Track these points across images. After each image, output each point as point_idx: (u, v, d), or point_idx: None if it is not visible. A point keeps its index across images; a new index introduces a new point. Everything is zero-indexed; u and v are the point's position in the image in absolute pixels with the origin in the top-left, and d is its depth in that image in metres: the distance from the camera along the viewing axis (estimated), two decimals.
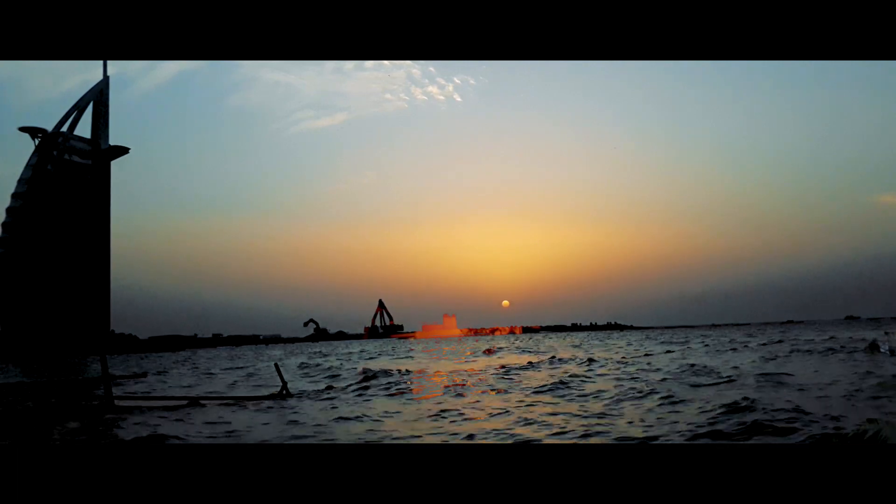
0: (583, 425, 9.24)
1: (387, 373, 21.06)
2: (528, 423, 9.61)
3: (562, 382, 15.03)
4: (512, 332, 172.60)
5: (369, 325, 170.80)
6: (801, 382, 12.95)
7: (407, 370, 22.39)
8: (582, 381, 15.65)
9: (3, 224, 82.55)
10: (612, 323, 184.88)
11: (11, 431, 10.46)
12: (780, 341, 35.61)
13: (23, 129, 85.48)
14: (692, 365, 18.32)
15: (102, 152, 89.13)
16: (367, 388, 16.54)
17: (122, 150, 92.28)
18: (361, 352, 52.99)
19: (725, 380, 14.17)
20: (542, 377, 17.61)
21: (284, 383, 15.90)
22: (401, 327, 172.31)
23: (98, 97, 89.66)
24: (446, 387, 15.67)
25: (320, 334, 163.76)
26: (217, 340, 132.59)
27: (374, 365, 26.23)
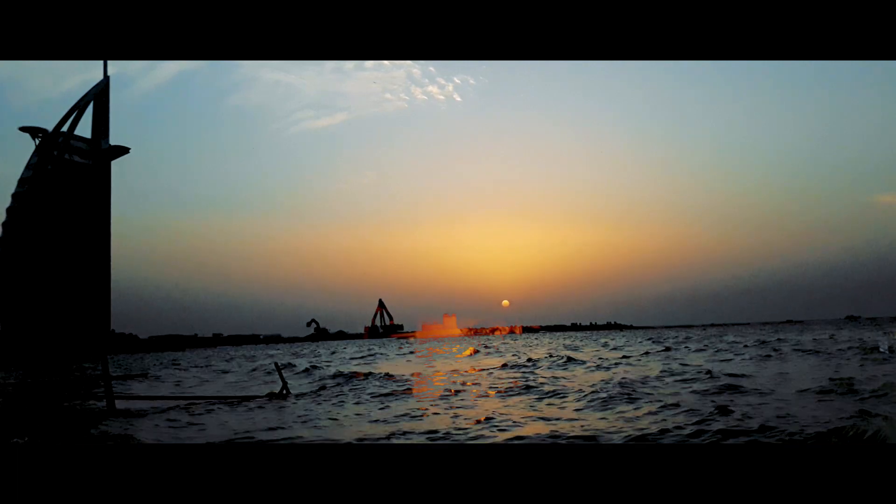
0: (460, 428, 9.54)
1: (350, 377, 20.20)
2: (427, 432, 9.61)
3: (527, 386, 15.13)
4: (512, 331, 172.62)
5: (369, 324, 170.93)
6: (759, 385, 13.29)
7: (370, 373, 21.46)
8: (543, 383, 15.80)
9: (3, 224, 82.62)
10: (612, 323, 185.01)
11: (11, 431, 10.47)
12: (779, 340, 35.71)
13: (23, 129, 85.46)
14: (666, 370, 18.23)
15: (103, 152, 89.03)
16: (319, 393, 16.22)
17: (123, 150, 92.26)
18: (354, 351, 52.99)
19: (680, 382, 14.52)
20: (505, 379, 17.80)
21: (285, 383, 15.89)
22: (401, 327, 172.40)
23: (98, 97, 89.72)
24: (392, 393, 15.30)
25: (320, 334, 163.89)
26: (217, 340, 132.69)
27: (350, 368, 25.64)
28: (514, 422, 9.82)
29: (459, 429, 9.40)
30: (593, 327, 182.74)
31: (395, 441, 8.73)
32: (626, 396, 12.07)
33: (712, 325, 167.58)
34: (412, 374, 21.40)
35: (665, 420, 9.29)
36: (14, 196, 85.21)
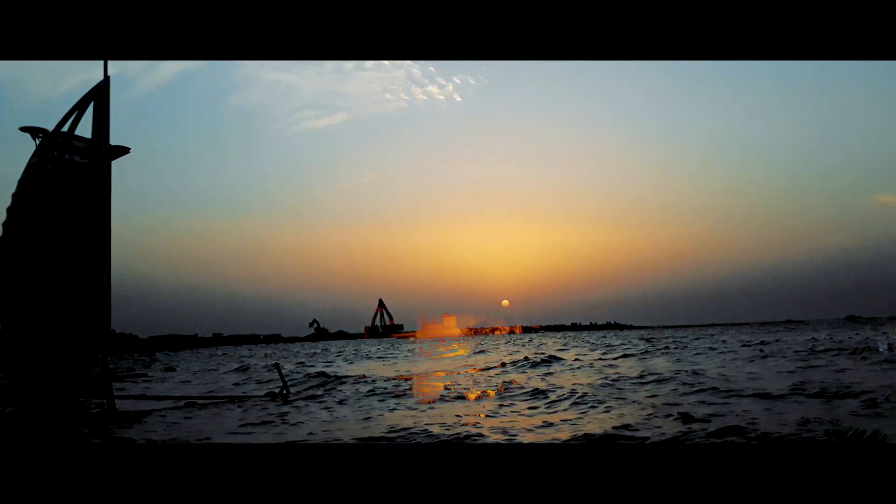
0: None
1: (325, 379, 19.96)
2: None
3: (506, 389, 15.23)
4: (512, 331, 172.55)
5: (369, 324, 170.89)
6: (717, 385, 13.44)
7: (341, 376, 21.08)
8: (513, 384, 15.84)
9: (3, 224, 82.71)
10: (612, 322, 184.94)
11: (11, 431, 10.47)
12: (777, 341, 35.67)
13: (23, 129, 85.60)
14: (646, 372, 18.21)
15: (103, 152, 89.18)
16: (319, 394, 16.11)
17: (123, 150, 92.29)
18: (354, 351, 53.00)
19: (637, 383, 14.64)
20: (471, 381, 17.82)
21: (285, 383, 15.90)
22: (401, 327, 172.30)
23: (98, 97, 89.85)
24: (340, 401, 15.14)
25: (321, 334, 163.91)
26: (217, 340, 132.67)
27: (334, 369, 25.39)
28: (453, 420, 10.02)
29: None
30: (593, 327, 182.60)
31: (395, 442, 8.75)
32: (576, 396, 12.37)
33: (712, 325, 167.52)
34: (399, 377, 21.22)
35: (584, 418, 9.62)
36: (14, 196, 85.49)
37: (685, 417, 9.21)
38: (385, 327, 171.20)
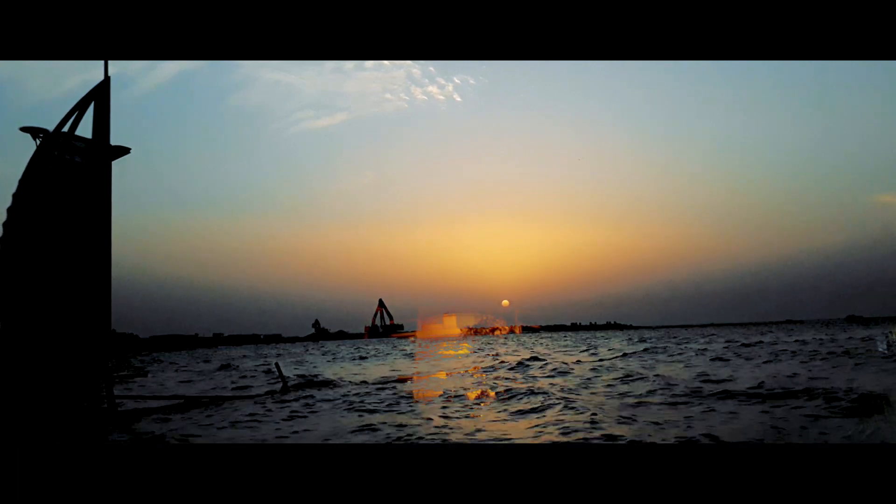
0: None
1: (308, 382, 19.78)
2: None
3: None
4: (512, 331, 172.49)
5: (369, 324, 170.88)
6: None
7: (322, 379, 20.88)
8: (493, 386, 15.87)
9: (3, 224, 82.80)
10: (612, 322, 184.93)
11: (11, 431, 10.47)
12: (773, 342, 35.63)
13: (24, 129, 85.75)
14: (628, 375, 18.21)
15: (103, 152, 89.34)
16: (313, 395, 15.97)
17: (124, 151, 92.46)
18: (353, 351, 52.93)
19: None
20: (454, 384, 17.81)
21: (285, 381, 15.92)
22: (401, 327, 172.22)
23: (99, 97, 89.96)
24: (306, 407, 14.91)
25: (321, 334, 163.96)
26: (217, 340, 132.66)
27: (319, 371, 25.12)
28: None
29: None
30: (593, 327, 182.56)
31: (394, 441, 8.75)
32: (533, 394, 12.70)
33: (712, 325, 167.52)
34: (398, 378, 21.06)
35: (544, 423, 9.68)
36: (14, 196, 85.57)
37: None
38: (385, 327, 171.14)
